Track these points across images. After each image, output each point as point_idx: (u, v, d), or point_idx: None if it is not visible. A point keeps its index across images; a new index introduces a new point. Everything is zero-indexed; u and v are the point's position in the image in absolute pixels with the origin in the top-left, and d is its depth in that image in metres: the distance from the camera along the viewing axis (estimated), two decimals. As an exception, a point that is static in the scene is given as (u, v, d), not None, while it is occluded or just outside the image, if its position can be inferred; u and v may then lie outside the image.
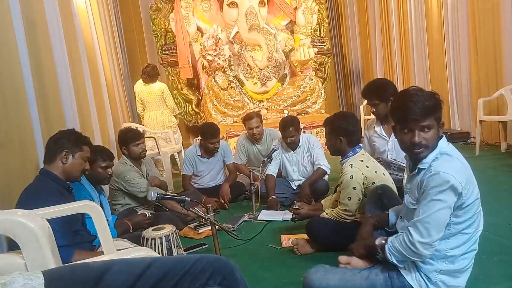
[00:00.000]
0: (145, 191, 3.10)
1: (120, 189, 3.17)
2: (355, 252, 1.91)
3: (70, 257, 1.67)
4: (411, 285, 1.62)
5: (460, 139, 5.67)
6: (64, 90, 3.21)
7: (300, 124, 3.84)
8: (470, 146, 5.28)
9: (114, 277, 0.84)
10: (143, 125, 5.56)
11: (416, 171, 1.65)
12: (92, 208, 1.57)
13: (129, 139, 3.22)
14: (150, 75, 5.32)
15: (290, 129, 3.61)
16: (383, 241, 1.69)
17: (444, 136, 1.64)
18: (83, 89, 3.91)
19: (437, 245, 1.57)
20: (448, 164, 1.55)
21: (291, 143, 3.68)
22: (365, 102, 7.18)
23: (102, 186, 2.72)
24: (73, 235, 1.86)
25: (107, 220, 2.45)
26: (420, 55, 6.65)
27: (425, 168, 1.61)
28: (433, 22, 6.20)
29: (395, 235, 1.67)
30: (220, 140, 3.97)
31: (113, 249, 1.59)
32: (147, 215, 2.82)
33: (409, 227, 1.57)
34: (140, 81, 5.55)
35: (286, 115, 5.77)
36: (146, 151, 3.36)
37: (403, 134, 1.62)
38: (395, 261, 1.62)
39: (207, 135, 3.81)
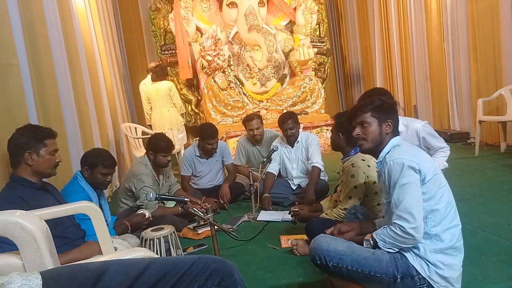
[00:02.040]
0: (145, 203, 3.05)
1: (132, 191, 3.16)
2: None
3: None
4: (414, 266, 1.65)
5: (459, 139, 5.66)
6: (63, 91, 3.21)
7: (298, 118, 3.85)
8: (470, 146, 5.28)
9: (111, 278, 0.83)
10: (150, 124, 5.59)
11: (378, 169, 1.83)
12: (91, 209, 1.57)
13: (160, 149, 3.17)
14: (159, 75, 5.42)
15: (288, 121, 3.64)
16: (371, 242, 1.74)
17: (399, 135, 1.85)
18: (82, 91, 3.91)
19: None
20: (398, 151, 1.74)
21: (291, 135, 3.68)
22: (364, 102, 7.16)
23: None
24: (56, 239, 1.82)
25: (106, 221, 2.46)
26: (420, 56, 6.65)
27: (381, 161, 1.78)
28: (433, 22, 6.20)
29: (380, 232, 1.71)
30: (219, 140, 3.97)
31: (112, 250, 1.60)
32: (146, 216, 2.81)
33: (394, 221, 1.64)
34: (146, 80, 5.57)
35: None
36: (170, 162, 3.33)
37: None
38: (390, 250, 1.70)
39: (205, 136, 3.81)
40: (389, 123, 1.81)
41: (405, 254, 1.68)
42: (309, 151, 3.69)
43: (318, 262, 1.77)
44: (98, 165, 2.45)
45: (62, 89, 3.20)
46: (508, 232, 2.51)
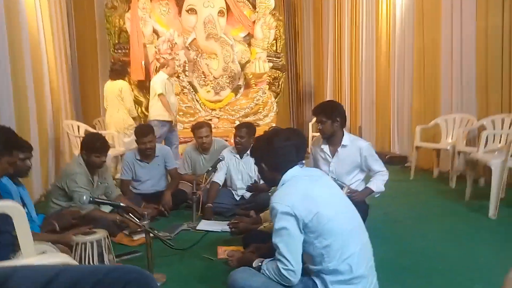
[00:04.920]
0: (79, 204, 2.88)
1: (65, 190, 3.00)
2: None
3: None
4: None
5: (398, 163, 5.95)
6: (1, 81, 3.02)
7: (255, 133, 3.87)
8: (407, 170, 5.56)
9: (17, 283, 0.79)
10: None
11: None
12: (13, 209, 1.47)
13: (94, 150, 3.03)
14: (115, 72, 5.23)
15: (242, 129, 3.70)
16: (260, 264, 1.83)
17: (295, 167, 1.82)
18: (23, 83, 3.70)
19: (316, 265, 1.68)
20: (277, 193, 1.76)
21: (237, 143, 3.70)
22: (314, 119, 7.39)
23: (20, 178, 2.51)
24: None
25: (31, 216, 2.31)
26: (368, 80, 6.97)
27: None
28: (382, 50, 6.54)
29: (266, 262, 1.79)
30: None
31: (33, 253, 1.51)
32: (78, 215, 2.67)
33: (275, 260, 1.71)
34: None
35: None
36: (104, 163, 3.20)
37: None
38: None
39: (138, 135, 3.75)
40: (275, 165, 1.84)
41: (316, 281, 1.70)
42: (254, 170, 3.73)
43: None
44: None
45: (0, 79, 3.02)
46: (436, 255, 2.65)
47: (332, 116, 2.91)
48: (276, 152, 1.83)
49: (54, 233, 2.50)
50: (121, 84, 5.23)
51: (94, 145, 3.05)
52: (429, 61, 5.47)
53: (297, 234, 1.65)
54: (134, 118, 5.29)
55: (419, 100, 5.73)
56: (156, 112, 5.11)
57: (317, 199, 1.68)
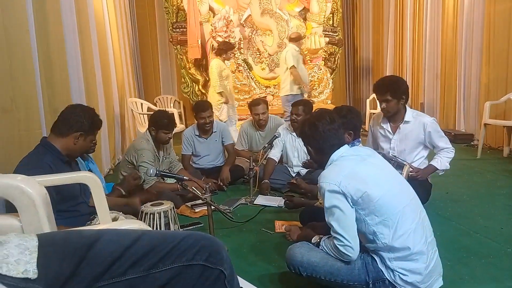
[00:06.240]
0: (145, 177, 3.03)
1: (133, 163, 3.20)
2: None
3: None
4: (382, 271, 1.67)
5: (463, 140, 5.65)
6: (71, 58, 3.21)
7: (311, 110, 3.83)
8: (473, 148, 5.27)
9: (104, 246, 0.87)
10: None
11: None
12: (91, 180, 1.60)
13: (162, 126, 3.19)
14: (218, 49, 5.21)
15: (299, 107, 3.63)
16: (318, 240, 1.86)
17: (346, 145, 1.84)
18: (91, 62, 3.91)
19: (371, 243, 1.68)
20: (324, 173, 1.75)
21: (293, 120, 3.68)
22: (371, 96, 7.15)
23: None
24: (61, 212, 1.87)
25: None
26: (432, 54, 6.59)
27: None
28: (449, 21, 6.12)
29: (324, 238, 1.82)
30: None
31: (109, 220, 1.64)
32: (138, 175, 2.83)
33: (332, 237, 1.72)
34: None
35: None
36: (171, 139, 3.36)
37: None
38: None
39: (197, 109, 3.84)
40: (321, 148, 1.84)
41: (375, 257, 1.69)
42: None
43: (293, 271, 1.84)
44: None
45: (70, 56, 3.20)
46: (500, 236, 2.54)
47: (398, 95, 2.79)
48: (321, 136, 1.83)
49: (122, 197, 2.67)
50: (213, 62, 5.24)
51: (163, 122, 3.19)
52: (502, 32, 5.04)
53: (348, 211, 1.65)
54: (220, 94, 5.19)
55: (488, 74, 5.33)
56: (288, 86, 5.19)
57: (365, 178, 1.68)
